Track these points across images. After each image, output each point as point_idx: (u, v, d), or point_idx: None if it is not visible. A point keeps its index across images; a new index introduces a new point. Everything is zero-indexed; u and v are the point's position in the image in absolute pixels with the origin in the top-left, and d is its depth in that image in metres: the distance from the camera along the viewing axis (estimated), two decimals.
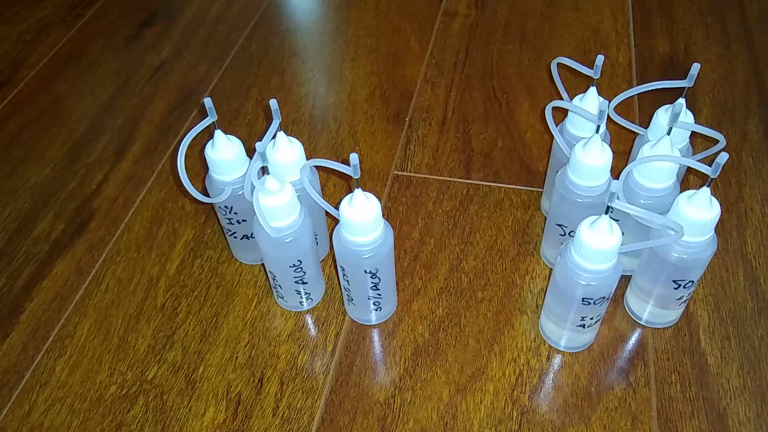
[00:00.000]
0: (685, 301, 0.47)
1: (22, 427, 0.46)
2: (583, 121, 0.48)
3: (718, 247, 0.43)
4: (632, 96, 0.59)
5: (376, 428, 0.45)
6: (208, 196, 0.49)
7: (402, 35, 0.77)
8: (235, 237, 0.52)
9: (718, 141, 0.44)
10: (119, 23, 0.82)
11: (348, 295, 0.48)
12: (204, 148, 0.46)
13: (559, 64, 0.49)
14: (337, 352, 0.49)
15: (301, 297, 0.50)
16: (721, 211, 0.41)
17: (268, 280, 0.52)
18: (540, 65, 0.72)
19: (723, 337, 0.48)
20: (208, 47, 0.77)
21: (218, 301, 0.53)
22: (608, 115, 0.47)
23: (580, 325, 0.45)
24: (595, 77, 0.46)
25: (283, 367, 0.48)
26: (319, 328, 0.51)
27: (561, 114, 0.53)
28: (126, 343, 0.50)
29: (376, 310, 0.49)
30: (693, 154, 0.49)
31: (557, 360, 0.48)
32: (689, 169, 0.57)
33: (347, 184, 0.61)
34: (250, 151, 0.44)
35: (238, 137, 0.47)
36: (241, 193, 0.47)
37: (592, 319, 0.44)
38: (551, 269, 0.52)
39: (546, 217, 0.54)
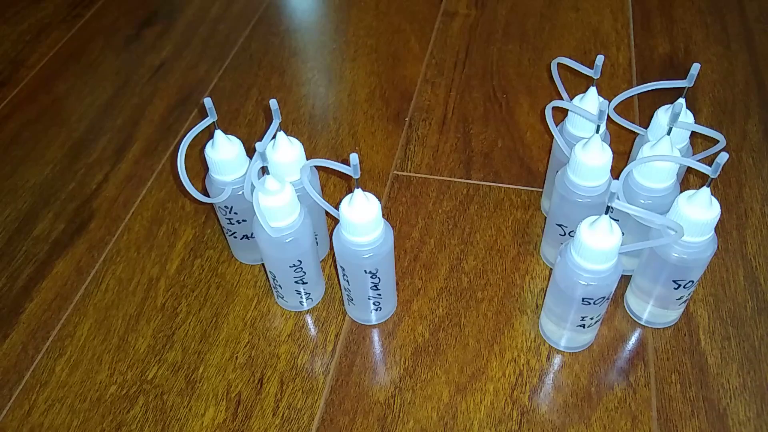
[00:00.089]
0: (685, 301, 0.47)
1: (22, 427, 0.46)
2: (583, 121, 0.48)
3: (718, 247, 0.43)
4: (632, 96, 0.59)
5: (376, 428, 0.45)
6: (208, 196, 0.49)
7: (402, 35, 0.77)
8: (235, 237, 0.52)
9: (718, 141, 0.44)
10: (119, 23, 0.82)
11: (348, 295, 0.48)
12: (204, 148, 0.46)
13: (559, 64, 0.49)
14: (337, 352, 0.49)
15: (301, 297, 0.50)
16: (721, 211, 0.41)
17: (268, 280, 0.52)
18: (540, 65, 0.72)
19: (723, 337, 0.48)
20: (208, 47, 0.77)
21: (218, 301, 0.53)
22: (608, 115, 0.47)
23: (580, 325, 0.45)
24: (595, 77, 0.46)
25: (283, 367, 0.48)
26: (319, 328, 0.51)
27: (561, 114, 0.53)
28: (126, 343, 0.50)
29: (376, 310, 0.49)
30: (693, 154, 0.49)
31: (557, 360, 0.48)
32: (689, 169, 0.57)
33: (347, 184, 0.61)
34: (250, 151, 0.44)
35: (238, 137, 0.47)
36: (241, 193, 0.47)
37: (592, 319, 0.44)
38: (551, 269, 0.52)
39: (546, 217, 0.54)
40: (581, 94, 0.49)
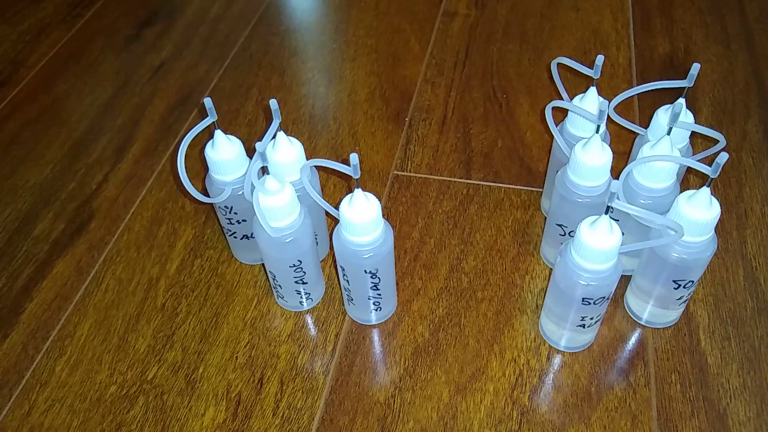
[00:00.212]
0: (685, 301, 0.47)
1: (22, 427, 0.46)
2: (583, 121, 0.48)
3: (718, 247, 0.43)
4: (632, 96, 0.59)
5: (376, 428, 0.45)
6: (208, 196, 0.49)
7: (402, 35, 0.77)
8: (235, 237, 0.52)
9: (718, 141, 0.44)
10: (119, 23, 0.82)
11: (348, 295, 0.48)
12: (204, 148, 0.46)
13: (559, 64, 0.49)
14: (337, 352, 0.49)
15: (301, 297, 0.50)
16: (721, 211, 0.41)
17: (268, 280, 0.52)
18: (540, 65, 0.72)
19: (723, 337, 0.48)
20: (208, 47, 0.77)
21: (218, 301, 0.53)
22: (608, 115, 0.47)
23: (580, 325, 0.45)
24: (595, 77, 0.46)
25: (283, 367, 0.48)
26: (319, 328, 0.51)
27: (561, 114, 0.53)
28: (126, 343, 0.50)
29: (376, 310, 0.49)
30: (693, 154, 0.49)
31: (557, 360, 0.48)
32: (689, 169, 0.57)
33: (347, 184, 0.61)
34: (250, 151, 0.44)
35: (238, 137, 0.47)
36: (241, 193, 0.47)
37: (592, 319, 0.44)
38: (551, 269, 0.52)
39: (546, 217, 0.54)
40: (581, 94, 0.49)
